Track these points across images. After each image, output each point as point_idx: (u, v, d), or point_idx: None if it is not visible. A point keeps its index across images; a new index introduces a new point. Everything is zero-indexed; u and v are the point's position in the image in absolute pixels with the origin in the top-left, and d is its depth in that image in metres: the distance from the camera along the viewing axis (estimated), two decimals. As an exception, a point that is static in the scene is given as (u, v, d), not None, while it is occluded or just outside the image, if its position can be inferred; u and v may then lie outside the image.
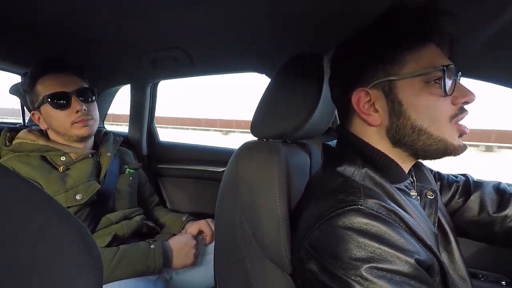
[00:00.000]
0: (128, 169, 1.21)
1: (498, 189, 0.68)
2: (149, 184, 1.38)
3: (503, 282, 1.08)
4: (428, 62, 0.51)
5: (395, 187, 0.54)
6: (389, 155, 0.55)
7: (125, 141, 1.68)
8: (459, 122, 0.52)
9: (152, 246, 0.97)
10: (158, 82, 1.66)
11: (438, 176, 0.74)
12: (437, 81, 0.50)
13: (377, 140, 0.55)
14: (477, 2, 0.66)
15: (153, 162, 1.75)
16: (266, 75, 1.26)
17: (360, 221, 0.44)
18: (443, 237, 0.62)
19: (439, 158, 0.54)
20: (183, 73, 1.43)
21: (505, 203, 0.66)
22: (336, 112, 0.89)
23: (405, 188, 0.56)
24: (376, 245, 0.42)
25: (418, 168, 0.68)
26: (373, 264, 0.41)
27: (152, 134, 1.79)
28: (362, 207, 0.46)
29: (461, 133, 0.52)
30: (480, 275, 1.11)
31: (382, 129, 0.54)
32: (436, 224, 0.60)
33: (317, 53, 0.70)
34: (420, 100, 0.50)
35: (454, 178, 0.73)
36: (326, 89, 0.68)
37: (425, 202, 0.60)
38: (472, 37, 0.75)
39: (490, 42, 0.76)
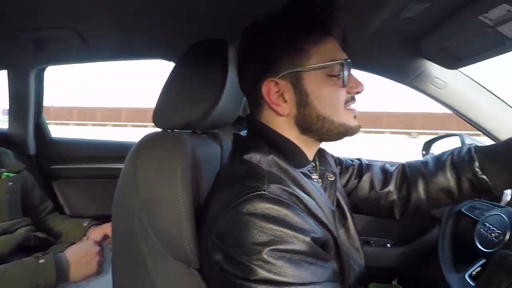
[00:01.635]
0: (5, 173, 1.01)
1: (383, 169, 0.78)
2: (38, 189, 1.19)
3: (388, 245, 1.30)
4: (330, 55, 0.54)
5: (299, 171, 0.57)
6: (297, 142, 0.58)
7: (3, 139, 1.39)
8: (351, 107, 0.58)
9: (41, 261, 0.83)
10: (45, 68, 1.41)
11: (338, 161, 0.81)
12: (337, 73, 0.54)
13: (286, 128, 0.57)
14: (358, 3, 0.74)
15: (44, 163, 1.50)
16: (175, 63, 1.20)
17: (263, 206, 0.45)
18: (341, 214, 0.68)
19: (341, 139, 0.60)
20: (75, 58, 1.25)
21: (387, 180, 0.75)
22: (245, 100, 0.89)
23: (307, 172, 0.60)
24: (277, 227, 0.44)
25: (321, 154, 0.72)
26: (274, 247, 0.43)
27: (41, 130, 1.53)
28: (266, 192, 0.47)
29: (354, 115, 0.58)
30: (372, 242, 1.30)
31: (290, 118, 0.56)
32: (335, 203, 0.65)
33: (221, 39, 0.69)
34: (323, 91, 0.54)
35: (351, 162, 0.81)
36: (231, 76, 0.67)
37: (326, 184, 0.65)
38: (358, 32, 0.85)
39: (369, 39, 0.87)
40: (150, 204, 0.59)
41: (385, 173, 0.77)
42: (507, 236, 0.70)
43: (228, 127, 0.92)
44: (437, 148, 1.21)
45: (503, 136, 0.98)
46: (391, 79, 1.06)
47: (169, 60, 1.20)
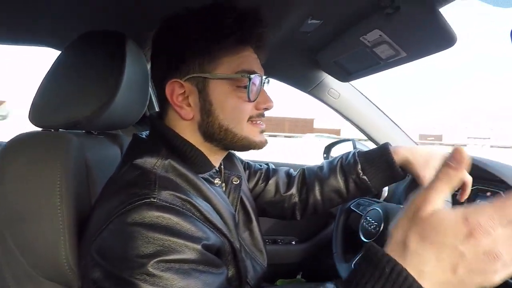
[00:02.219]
0: None
1: (288, 173, 0.82)
2: None
3: (293, 242, 1.39)
4: (240, 67, 0.53)
5: (200, 176, 0.55)
6: (201, 148, 0.56)
7: None
8: (257, 122, 0.57)
9: None
10: None
11: (247, 165, 0.82)
12: (242, 86, 0.53)
13: (190, 133, 0.55)
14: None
15: None
16: None
17: (152, 215, 0.42)
18: (246, 217, 0.69)
19: (246, 151, 0.59)
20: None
21: (290, 184, 0.79)
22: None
23: (209, 177, 0.58)
24: (166, 237, 0.41)
25: (229, 158, 0.72)
26: (161, 258, 0.40)
27: None
28: (155, 200, 0.44)
29: (261, 130, 0.58)
30: (279, 240, 1.37)
31: (194, 123, 0.54)
32: (237, 207, 0.65)
33: (118, 31, 0.63)
34: (227, 102, 0.53)
35: (259, 166, 0.84)
36: (131, 72, 0.62)
37: (231, 188, 0.65)
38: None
39: (273, 48, 0.91)
40: (18, 218, 0.49)
41: (289, 177, 0.81)
42: (382, 227, 0.81)
43: (132, 127, 0.85)
44: (335, 151, 1.36)
45: (382, 140, 1.16)
46: (294, 87, 1.15)
47: (58, 49, 1.04)
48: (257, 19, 0.53)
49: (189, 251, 0.42)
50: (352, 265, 0.91)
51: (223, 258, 0.50)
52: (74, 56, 0.60)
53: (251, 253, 0.67)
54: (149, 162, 0.50)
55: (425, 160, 0.66)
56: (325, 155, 1.37)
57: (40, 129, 0.60)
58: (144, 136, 0.59)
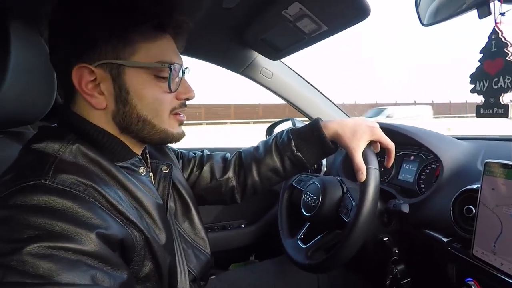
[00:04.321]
0: None
1: (223, 157, 0.81)
2: None
3: (242, 225, 1.39)
4: (158, 56, 0.50)
5: (118, 165, 0.51)
6: (117, 137, 0.51)
7: None
8: (180, 114, 0.55)
9: None
10: None
11: (180, 154, 0.79)
12: (165, 76, 0.50)
13: (103, 123, 0.50)
14: None
15: None
16: None
17: (39, 198, 0.38)
18: (183, 207, 0.67)
19: (163, 144, 0.58)
20: None
21: (226, 168, 0.78)
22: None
23: (130, 166, 0.54)
24: (52, 221, 0.37)
25: (159, 148, 0.69)
26: (40, 243, 0.35)
27: None
28: (47, 182, 0.40)
29: (180, 122, 0.56)
30: (228, 225, 1.36)
31: (108, 113, 0.50)
32: (171, 196, 0.63)
33: None
34: (147, 92, 0.50)
35: (193, 154, 0.81)
36: (27, 58, 0.52)
37: (160, 177, 0.62)
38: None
39: (199, 28, 0.86)
40: None
41: (225, 161, 0.80)
42: (320, 200, 0.84)
43: (39, 123, 0.74)
44: (278, 131, 1.37)
45: (316, 115, 1.19)
46: (225, 68, 1.11)
47: None
48: (177, 5, 0.51)
49: (81, 239, 0.37)
50: (298, 240, 0.93)
51: (132, 253, 0.46)
52: None
53: (192, 242, 0.66)
54: (51, 146, 0.45)
55: (353, 132, 0.68)
56: (267, 136, 1.37)
57: None
58: (50, 126, 0.52)
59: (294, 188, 1.09)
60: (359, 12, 0.64)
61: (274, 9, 0.74)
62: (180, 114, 0.56)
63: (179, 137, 0.56)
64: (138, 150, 0.56)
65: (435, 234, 0.69)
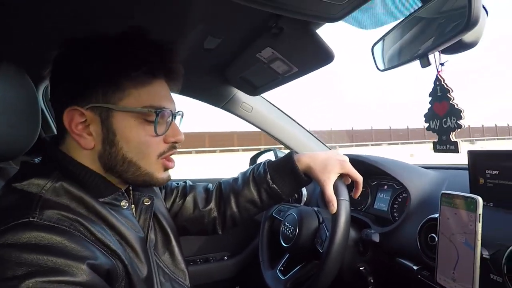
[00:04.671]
0: None
1: (206, 188, 0.82)
2: None
3: (225, 257, 1.37)
4: (147, 101, 0.52)
5: (101, 200, 0.52)
6: (100, 174, 0.53)
7: None
8: (169, 159, 0.57)
9: None
10: None
11: (163, 185, 0.78)
12: (152, 120, 0.52)
13: (89, 162, 0.52)
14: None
15: None
16: None
17: (29, 235, 0.39)
18: (164, 238, 0.67)
19: (146, 187, 0.59)
20: None
21: (209, 199, 0.79)
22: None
23: (112, 201, 0.55)
24: (44, 257, 0.38)
25: None
26: (36, 279, 0.37)
27: None
28: (35, 219, 0.42)
29: (167, 167, 0.57)
30: (211, 258, 1.35)
31: (94, 153, 0.52)
32: (152, 228, 0.63)
33: None
34: (133, 134, 0.52)
35: (176, 184, 0.82)
36: (12, 98, 0.55)
37: (141, 209, 0.62)
38: None
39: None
40: None
41: (207, 192, 0.81)
42: (297, 231, 0.86)
43: (22, 158, 0.75)
44: (260, 161, 1.41)
45: (297, 147, 1.24)
46: (207, 103, 1.16)
47: None
48: (167, 51, 0.53)
49: (73, 271, 0.39)
50: (277, 272, 0.93)
51: (114, 284, 0.47)
52: None
53: (171, 274, 0.65)
54: (35, 185, 0.46)
55: (323, 165, 0.72)
56: (250, 166, 1.40)
57: None
58: (33, 162, 0.54)
59: (274, 219, 1.10)
60: (324, 57, 0.71)
61: (250, 51, 0.81)
62: (170, 160, 0.57)
63: (162, 181, 0.57)
64: (122, 185, 0.58)
65: (406, 262, 0.72)
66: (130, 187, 0.64)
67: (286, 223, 0.93)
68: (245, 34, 0.76)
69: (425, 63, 0.50)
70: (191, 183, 0.84)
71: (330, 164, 0.72)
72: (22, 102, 0.59)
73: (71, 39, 0.52)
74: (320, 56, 0.71)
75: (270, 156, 1.32)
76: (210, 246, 1.35)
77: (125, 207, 0.57)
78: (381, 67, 0.62)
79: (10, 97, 0.55)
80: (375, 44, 0.62)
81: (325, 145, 1.33)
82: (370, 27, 0.68)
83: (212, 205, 0.79)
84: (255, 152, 1.45)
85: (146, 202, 0.64)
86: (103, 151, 0.52)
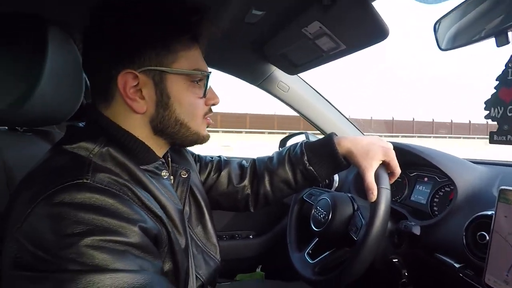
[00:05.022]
0: None
1: (240, 165, 0.83)
2: None
3: (251, 236, 1.39)
4: (194, 64, 0.54)
5: (143, 168, 0.53)
6: (145, 141, 0.54)
7: None
8: (208, 117, 0.60)
9: None
10: None
11: (198, 158, 0.81)
12: (199, 82, 0.54)
13: (137, 126, 0.53)
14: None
15: None
16: None
17: (83, 196, 0.41)
18: (198, 211, 0.68)
19: (191, 146, 0.60)
20: None
21: (243, 175, 0.79)
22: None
23: (154, 169, 0.56)
24: (99, 217, 0.40)
25: (177, 151, 0.71)
26: (93, 237, 0.38)
27: None
28: (88, 181, 0.43)
29: (208, 125, 0.60)
30: (236, 235, 1.37)
31: (146, 117, 0.53)
32: (187, 200, 0.64)
33: (36, 14, 0.56)
34: (185, 97, 0.53)
35: (210, 158, 0.83)
36: (61, 62, 0.56)
37: (179, 181, 0.64)
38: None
39: (221, 40, 0.90)
40: None
41: (242, 169, 0.81)
42: (330, 216, 0.84)
43: (65, 123, 0.78)
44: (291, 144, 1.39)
45: (331, 130, 1.20)
46: (243, 80, 1.13)
47: None
48: (209, 18, 0.54)
49: (126, 232, 0.41)
50: (305, 255, 0.92)
51: (159, 249, 0.49)
52: None
53: (203, 247, 0.66)
54: (84, 148, 0.48)
55: (366, 151, 0.69)
56: (280, 149, 1.38)
57: None
58: (79, 126, 0.55)
59: (305, 202, 1.09)
60: (377, 33, 0.65)
61: (294, 26, 0.76)
62: (209, 118, 0.60)
63: (207, 138, 0.60)
64: (161, 153, 0.59)
65: (447, 259, 0.68)
66: (169, 159, 0.64)
67: (318, 207, 0.91)
68: (291, 7, 0.72)
69: (503, 41, 0.44)
70: (225, 158, 0.84)
71: (373, 150, 0.68)
72: (68, 67, 0.61)
73: (114, 3, 0.51)
74: (373, 32, 0.65)
75: (301, 139, 1.29)
76: (237, 224, 1.36)
77: (165, 177, 0.58)
78: (444, 46, 0.55)
79: (58, 62, 0.56)
80: (439, 20, 0.56)
81: (362, 133, 1.28)
82: (435, 0, 0.61)
83: (246, 182, 0.79)
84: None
85: (184, 174, 0.65)
86: (156, 115, 0.52)
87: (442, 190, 0.87)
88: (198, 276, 0.62)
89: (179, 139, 0.57)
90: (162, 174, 0.57)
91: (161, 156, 0.59)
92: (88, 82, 1.12)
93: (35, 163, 0.50)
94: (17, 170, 0.57)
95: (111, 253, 0.38)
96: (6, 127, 0.66)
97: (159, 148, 0.57)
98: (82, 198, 0.40)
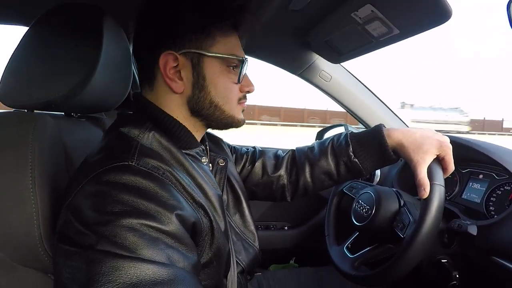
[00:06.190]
0: None
1: (276, 155, 0.82)
2: None
3: (285, 227, 1.39)
4: (232, 49, 0.56)
5: (185, 152, 0.55)
6: (184, 123, 0.56)
7: None
8: (243, 102, 0.61)
9: None
10: None
11: (233, 149, 0.82)
12: (234, 68, 0.56)
13: (177, 107, 0.55)
14: None
15: None
16: None
17: (127, 177, 0.43)
18: (235, 199, 0.69)
19: (226, 129, 0.61)
20: None
21: (279, 165, 0.79)
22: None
23: (195, 155, 0.58)
24: (138, 200, 0.41)
25: (216, 142, 0.73)
26: (129, 219, 0.39)
27: None
28: (133, 164, 0.45)
29: (243, 109, 0.61)
30: (271, 226, 1.37)
31: (183, 97, 0.55)
32: (225, 188, 0.66)
33: (94, 4, 0.59)
34: (219, 79, 0.55)
35: (246, 149, 0.83)
36: (114, 50, 0.58)
37: (217, 169, 0.66)
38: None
39: (263, 28, 0.88)
40: None
41: (277, 159, 0.80)
42: (373, 211, 0.80)
43: (114, 111, 0.82)
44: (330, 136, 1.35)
45: (374, 123, 1.14)
46: (284, 69, 1.11)
47: (24, 24, 0.98)
48: (249, 10, 0.56)
49: (162, 219, 0.41)
50: (344, 249, 0.90)
51: (199, 237, 0.49)
52: (45, 31, 0.56)
53: (242, 234, 0.67)
54: (132, 132, 0.51)
55: (419, 144, 0.64)
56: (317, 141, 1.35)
57: (12, 109, 0.57)
58: (128, 113, 0.58)
59: (344, 195, 1.05)
60: (438, 15, 0.59)
61: (343, 11, 0.73)
62: (244, 103, 0.61)
63: (242, 123, 0.61)
64: (199, 137, 0.60)
65: (507, 264, 0.62)
66: (208, 147, 0.65)
67: (360, 201, 0.88)
68: (341, -10, 0.68)
69: None
70: (260, 149, 0.84)
71: (427, 143, 0.64)
72: (119, 57, 0.63)
73: None
74: (434, 13, 0.59)
75: (340, 131, 1.25)
76: (272, 215, 1.37)
77: (205, 163, 0.60)
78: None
79: (111, 52, 0.58)
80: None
81: (406, 124, 1.20)
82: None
83: (281, 171, 0.78)
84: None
85: (221, 163, 0.66)
86: (192, 95, 0.55)
87: (501, 188, 0.80)
88: (239, 261, 0.63)
89: (214, 121, 0.58)
90: (203, 160, 0.59)
91: (199, 140, 0.60)
92: (135, 71, 1.18)
93: (92, 147, 0.53)
94: (74, 153, 0.60)
95: (143, 237, 0.39)
96: (63, 113, 0.70)
97: (196, 130, 0.59)
98: (125, 179, 0.42)
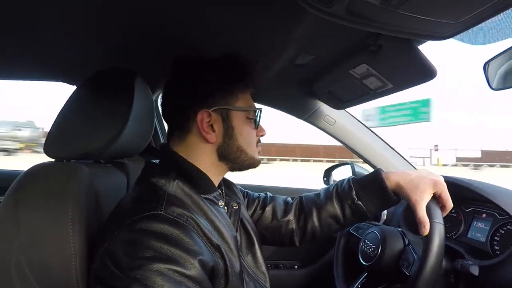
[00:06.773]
0: None
1: (285, 201, 0.86)
2: None
3: (295, 267, 1.39)
4: (249, 103, 0.68)
5: (204, 197, 0.62)
6: (209, 168, 0.64)
7: None
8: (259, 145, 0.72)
9: None
10: None
11: (246, 194, 0.87)
12: (252, 117, 0.67)
13: (206, 154, 0.65)
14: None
15: None
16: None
17: (156, 226, 0.49)
18: (248, 241, 0.73)
19: (247, 169, 0.70)
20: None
21: (288, 210, 0.83)
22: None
23: (213, 199, 0.64)
24: (166, 246, 0.47)
25: (229, 186, 0.78)
26: (158, 264, 0.45)
27: None
28: (161, 213, 0.51)
29: (259, 151, 0.71)
30: (281, 265, 1.37)
31: (214, 146, 0.65)
32: (238, 229, 0.70)
33: (129, 69, 0.69)
34: (244, 128, 0.66)
35: (257, 195, 0.88)
36: (141, 106, 0.67)
37: (231, 212, 0.71)
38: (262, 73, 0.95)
39: (271, 80, 0.98)
40: (33, 246, 0.53)
41: (286, 204, 0.85)
42: (379, 250, 0.83)
43: (137, 156, 0.90)
44: (335, 175, 1.39)
45: (379, 163, 1.20)
46: (292, 115, 1.21)
47: (71, 83, 1.12)
48: (257, 69, 0.69)
49: (186, 264, 0.47)
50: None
51: (216, 280, 0.54)
52: (88, 93, 0.66)
53: (254, 275, 0.69)
54: (160, 181, 0.59)
55: (415, 184, 0.69)
56: (325, 179, 1.39)
57: (53, 160, 0.64)
58: (155, 162, 0.67)
59: (351, 235, 1.08)
60: (424, 74, 0.68)
61: (342, 68, 0.82)
62: (259, 146, 0.72)
63: (259, 162, 0.71)
64: (217, 181, 0.68)
65: None
66: (224, 191, 0.72)
67: (366, 241, 0.91)
68: (340, 51, 0.78)
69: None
70: (271, 195, 0.89)
71: (423, 183, 0.69)
72: (144, 110, 0.72)
73: (188, 59, 0.66)
74: (420, 73, 0.69)
75: (346, 169, 1.29)
76: (282, 254, 1.37)
77: (221, 206, 0.65)
78: (496, 85, 0.57)
79: (140, 107, 0.67)
80: (489, 61, 0.58)
81: (412, 165, 1.26)
82: (480, 42, 0.64)
83: (290, 216, 0.82)
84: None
85: (235, 206, 0.72)
86: (222, 143, 0.65)
87: (504, 228, 0.82)
88: None
89: (238, 163, 0.67)
90: (219, 203, 0.65)
91: (216, 185, 0.67)
92: (157, 123, 1.29)
93: (123, 194, 0.61)
94: (103, 197, 0.67)
95: (169, 281, 0.45)
96: (91, 161, 0.76)
97: (218, 174, 0.67)
98: (155, 227, 0.49)
